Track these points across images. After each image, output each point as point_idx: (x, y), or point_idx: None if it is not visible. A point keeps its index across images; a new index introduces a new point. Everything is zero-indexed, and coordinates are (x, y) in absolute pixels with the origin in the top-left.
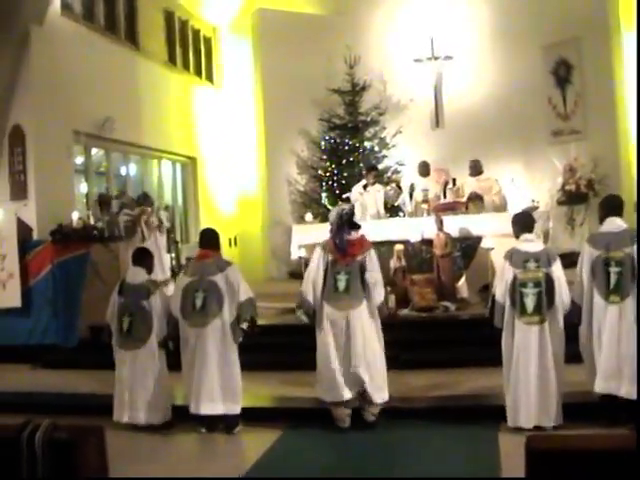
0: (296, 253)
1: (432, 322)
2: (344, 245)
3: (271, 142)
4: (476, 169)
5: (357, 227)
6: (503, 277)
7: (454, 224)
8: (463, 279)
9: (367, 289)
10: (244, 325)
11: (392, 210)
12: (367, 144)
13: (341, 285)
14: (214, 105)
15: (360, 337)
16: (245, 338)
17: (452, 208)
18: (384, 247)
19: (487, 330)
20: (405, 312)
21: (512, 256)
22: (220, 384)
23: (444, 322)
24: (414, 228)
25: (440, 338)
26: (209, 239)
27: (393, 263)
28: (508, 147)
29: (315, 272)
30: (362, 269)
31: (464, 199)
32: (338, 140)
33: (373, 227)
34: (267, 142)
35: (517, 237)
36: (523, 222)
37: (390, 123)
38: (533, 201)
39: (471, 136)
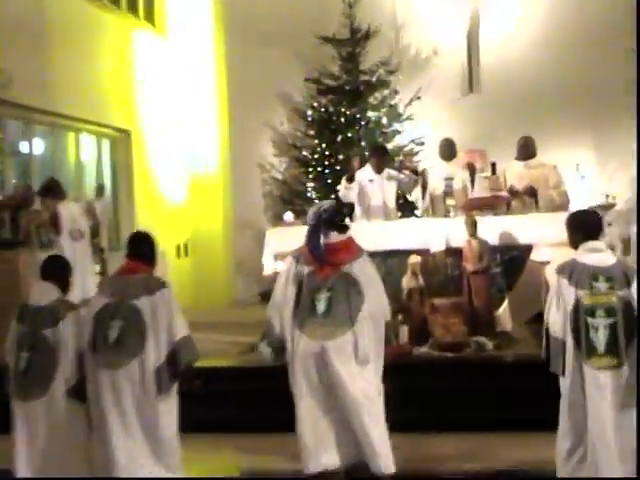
0: (271, 266)
1: (461, 365)
2: (321, 252)
3: (237, 110)
4: (527, 150)
5: (342, 228)
6: (560, 301)
7: (493, 228)
8: (505, 305)
9: (356, 313)
10: (176, 375)
11: (405, 207)
12: (372, 114)
13: (320, 306)
14: (158, 59)
15: (346, 378)
16: (185, 388)
17: (490, 205)
18: (394, 259)
19: (540, 378)
20: (423, 350)
21: (573, 272)
22: (146, 454)
23: (478, 365)
24: (436, 232)
25: (472, 387)
26: (139, 247)
27: (407, 282)
28: (572, 122)
29: (284, 289)
30: (350, 283)
31: (505, 193)
32: (331, 109)
33: (379, 230)
34: (231, 110)
35: (575, 246)
36: (583, 224)
37: (404, 86)
38: (607, 197)
39: (518, 105)
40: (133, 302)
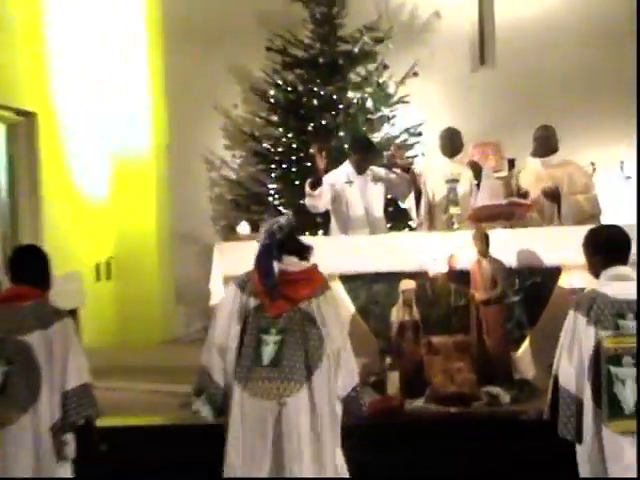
0: (220, 293)
1: (468, 423)
2: (273, 281)
3: (175, 87)
4: (546, 143)
5: (303, 251)
6: (575, 345)
7: (510, 244)
8: (526, 345)
9: (315, 363)
10: (72, 432)
11: (396, 217)
12: (353, 95)
13: (267, 353)
14: (75, 22)
15: (303, 447)
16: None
17: (506, 215)
18: (381, 284)
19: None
20: (418, 404)
21: (592, 307)
22: None
23: (490, 424)
24: (436, 250)
25: (483, 452)
26: (26, 266)
27: (397, 313)
28: (610, 108)
29: (225, 328)
30: (309, 325)
31: (524, 199)
32: (300, 88)
33: (361, 247)
34: (168, 87)
35: (596, 274)
36: (605, 243)
37: (396, 58)
38: None
39: (544, 84)
40: (22, 338)
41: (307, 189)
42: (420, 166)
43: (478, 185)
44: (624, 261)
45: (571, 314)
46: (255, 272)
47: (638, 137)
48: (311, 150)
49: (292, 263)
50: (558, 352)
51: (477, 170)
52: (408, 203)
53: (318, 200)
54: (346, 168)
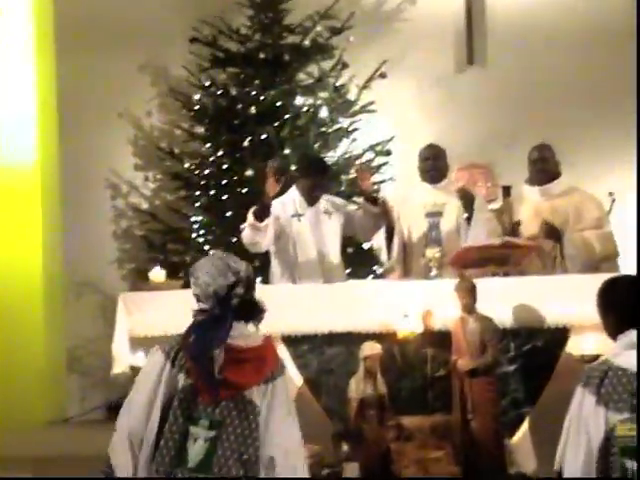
0: (125, 359)
1: None
2: (211, 368)
3: (70, 92)
4: (544, 168)
5: (257, 315)
6: (580, 430)
7: (503, 297)
8: (524, 429)
9: (253, 470)
10: None
11: (359, 260)
12: (303, 101)
13: (196, 452)
14: None
15: None
16: None
17: (500, 259)
18: (336, 348)
19: None
20: None
21: (603, 382)
22: None
23: None
24: (408, 304)
25: None
26: None
27: (357, 387)
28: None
29: (143, 412)
30: (251, 420)
31: (521, 238)
32: (234, 91)
33: (312, 299)
34: (60, 93)
35: (613, 336)
36: (621, 301)
37: (359, 55)
38: None
39: (548, 90)
40: None
41: (250, 220)
42: (392, 195)
43: (469, 220)
44: None
45: (579, 391)
46: (187, 349)
47: (638, 139)
48: (268, 172)
49: (241, 335)
50: (563, 440)
51: (469, 200)
52: (377, 243)
53: (262, 236)
54: (293, 196)
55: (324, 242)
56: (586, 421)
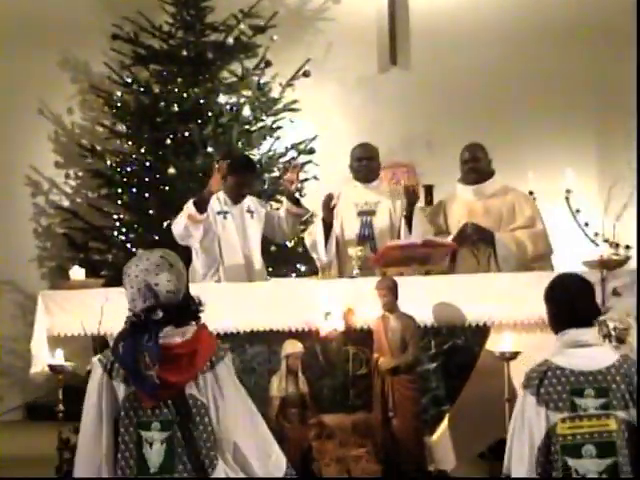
0: (43, 358)
1: None
2: (136, 363)
3: None
4: (477, 167)
5: (192, 317)
6: (523, 432)
7: (424, 296)
8: (444, 427)
9: (210, 463)
10: None
11: (277, 257)
12: (226, 99)
13: (155, 456)
14: None
15: None
16: None
17: (421, 258)
18: (257, 347)
19: None
20: None
21: (542, 382)
22: None
23: None
24: (328, 302)
25: None
26: None
27: (277, 385)
28: (561, 122)
29: (95, 432)
30: (199, 413)
31: (448, 237)
32: (157, 89)
33: (232, 298)
34: None
35: (555, 331)
36: (559, 300)
37: (282, 54)
38: (614, 245)
39: (472, 89)
40: None
41: (191, 210)
42: (315, 194)
43: (408, 219)
44: (583, 322)
45: (521, 393)
46: (117, 357)
47: (638, 141)
48: (217, 165)
49: (175, 332)
50: (508, 442)
51: (412, 200)
52: (309, 240)
53: (197, 229)
54: (219, 194)
55: (248, 242)
56: (529, 421)
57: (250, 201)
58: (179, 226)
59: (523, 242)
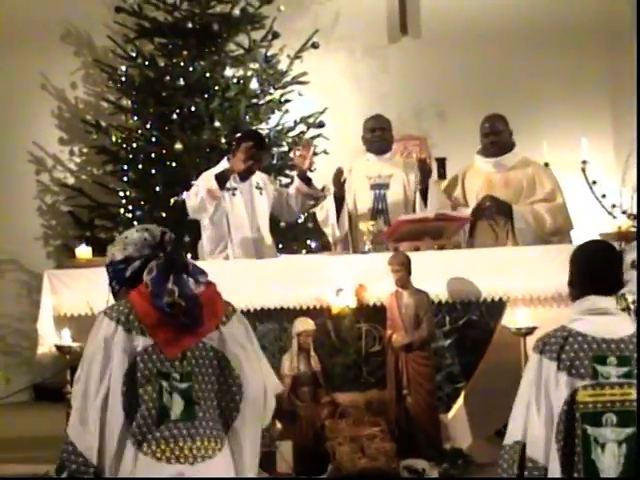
0: (51, 339)
1: None
2: (190, 305)
3: None
4: (499, 140)
5: (200, 273)
6: (540, 398)
7: (437, 271)
8: (460, 404)
9: (230, 414)
10: None
11: (287, 234)
12: (233, 72)
13: (177, 404)
14: None
15: None
16: None
17: (434, 232)
18: (268, 324)
19: None
20: None
21: (563, 348)
22: None
23: None
24: (339, 279)
25: None
26: None
27: (289, 364)
28: (568, 90)
29: (99, 383)
30: (219, 364)
31: (466, 210)
32: (162, 62)
33: (240, 274)
34: None
35: (573, 300)
36: (592, 267)
37: (290, 24)
38: (635, 218)
39: (487, 59)
40: None
41: (213, 185)
42: (347, 165)
43: (424, 193)
44: (605, 290)
45: (534, 358)
46: (142, 299)
47: (638, 138)
48: (244, 145)
49: (189, 282)
50: (520, 411)
51: (427, 172)
52: (321, 215)
53: (212, 204)
54: (223, 167)
55: (257, 218)
56: (546, 388)
57: (259, 177)
58: (195, 199)
59: (542, 215)
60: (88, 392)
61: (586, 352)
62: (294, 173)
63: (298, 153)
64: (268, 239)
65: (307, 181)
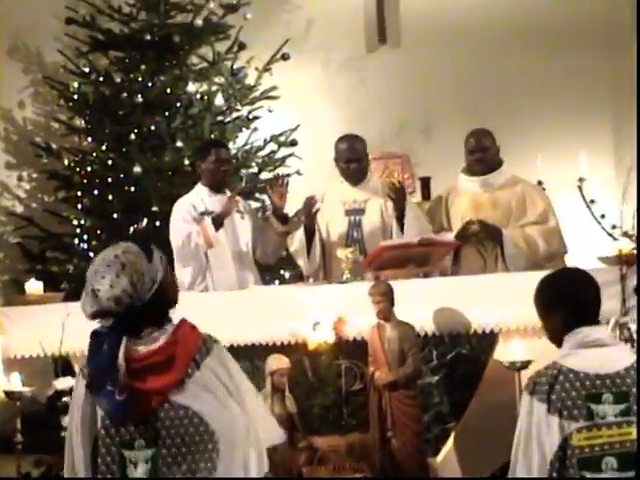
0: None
1: None
2: (117, 374)
3: None
4: (486, 157)
5: (166, 313)
6: (531, 443)
7: (423, 301)
8: (449, 447)
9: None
10: None
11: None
12: (196, 88)
13: (140, 476)
14: None
15: None
16: None
17: (419, 259)
18: (238, 362)
19: None
20: None
21: (554, 388)
22: None
23: None
24: (316, 311)
25: None
26: None
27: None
28: (563, 102)
29: (81, 451)
30: (193, 421)
31: (449, 234)
32: (118, 78)
33: (209, 306)
34: None
35: (557, 340)
36: (570, 296)
37: (258, 34)
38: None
39: (472, 68)
40: None
41: (209, 231)
42: (302, 190)
43: (400, 219)
44: (594, 320)
45: (526, 400)
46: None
47: (638, 139)
48: (213, 153)
49: (146, 339)
50: (513, 456)
51: (401, 198)
52: (293, 246)
53: (205, 251)
54: (198, 192)
55: (239, 244)
56: (538, 433)
57: (240, 200)
58: (188, 246)
59: (535, 240)
60: (72, 441)
61: (578, 391)
62: (265, 197)
63: (273, 190)
64: (252, 267)
65: (284, 219)
